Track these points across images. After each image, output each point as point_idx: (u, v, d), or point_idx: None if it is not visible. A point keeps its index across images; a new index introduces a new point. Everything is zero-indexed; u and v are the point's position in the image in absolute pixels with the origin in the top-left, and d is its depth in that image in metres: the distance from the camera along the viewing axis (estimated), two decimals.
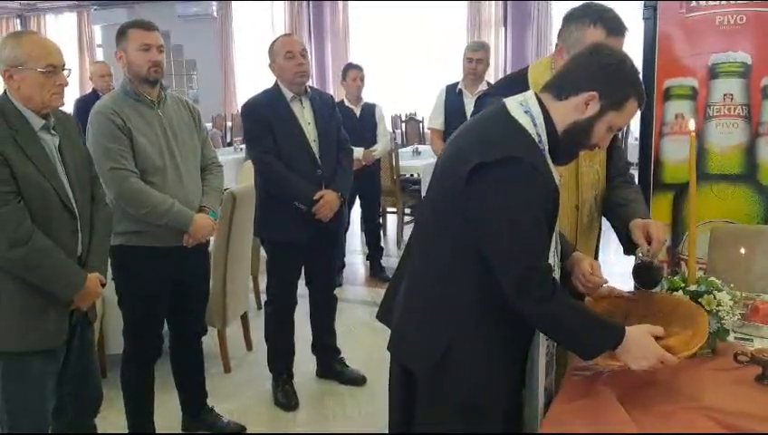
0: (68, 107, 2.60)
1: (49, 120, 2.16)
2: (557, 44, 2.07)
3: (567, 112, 1.61)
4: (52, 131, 2.17)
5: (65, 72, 2.15)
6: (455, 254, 1.64)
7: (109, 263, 2.39)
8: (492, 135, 1.62)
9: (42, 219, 2.08)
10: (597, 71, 1.60)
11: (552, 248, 1.66)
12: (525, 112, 1.61)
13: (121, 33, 2.65)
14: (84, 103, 5.47)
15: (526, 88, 1.73)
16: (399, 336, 1.80)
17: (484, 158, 1.53)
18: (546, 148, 1.60)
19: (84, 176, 2.25)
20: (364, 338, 4.10)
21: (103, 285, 2.28)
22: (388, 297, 1.90)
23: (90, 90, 6.24)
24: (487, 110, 1.75)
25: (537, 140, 1.59)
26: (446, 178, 1.66)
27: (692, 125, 2.00)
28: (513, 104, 1.63)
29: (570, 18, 2.03)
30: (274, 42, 3.26)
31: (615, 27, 1.97)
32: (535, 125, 1.60)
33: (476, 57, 4.78)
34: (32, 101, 2.10)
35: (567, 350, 1.80)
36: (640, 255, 1.93)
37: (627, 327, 1.59)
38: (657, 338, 1.60)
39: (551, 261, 1.63)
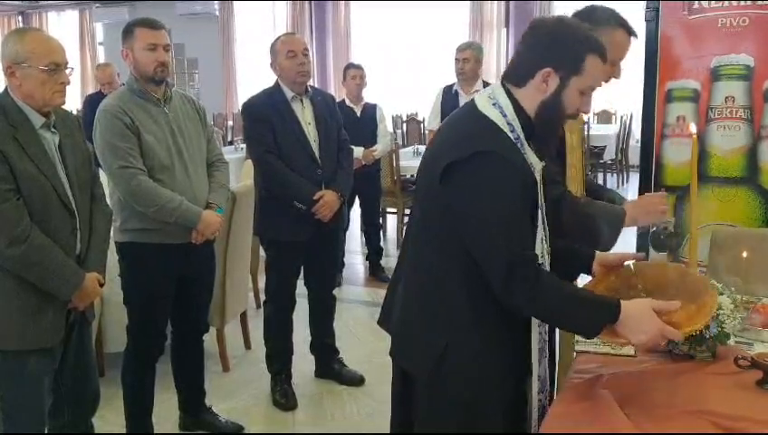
0: (70, 105, 2.58)
1: (50, 118, 2.15)
2: None
3: (532, 96, 1.60)
4: (53, 129, 2.16)
5: (68, 71, 2.14)
6: (442, 254, 1.64)
7: (108, 261, 2.38)
8: (461, 133, 1.62)
9: (40, 217, 2.08)
10: (541, 46, 1.58)
11: (539, 237, 1.65)
12: (494, 105, 1.60)
13: (128, 32, 2.63)
14: (95, 103, 5.43)
15: None
16: (398, 339, 1.79)
17: (454, 156, 1.54)
18: (521, 136, 1.58)
19: (84, 175, 2.24)
20: (363, 338, 4.10)
21: (101, 285, 2.27)
22: (387, 301, 1.89)
23: (92, 88, 6.21)
24: (459, 109, 1.76)
25: (509, 130, 1.57)
26: (426, 179, 1.66)
27: (693, 128, 2.00)
28: (482, 99, 1.63)
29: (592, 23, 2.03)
30: (276, 41, 3.25)
31: (631, 28, 2.04)
32: (505, 115, 1.58)
33: (462, 57, 4.77)
34: (33, 99, 2.09)
35: (567, 332, 1.79)
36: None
37: (624, 301, 1.55)
38: (660, 314, 1.54)
39: (537, 250, 1.62)
